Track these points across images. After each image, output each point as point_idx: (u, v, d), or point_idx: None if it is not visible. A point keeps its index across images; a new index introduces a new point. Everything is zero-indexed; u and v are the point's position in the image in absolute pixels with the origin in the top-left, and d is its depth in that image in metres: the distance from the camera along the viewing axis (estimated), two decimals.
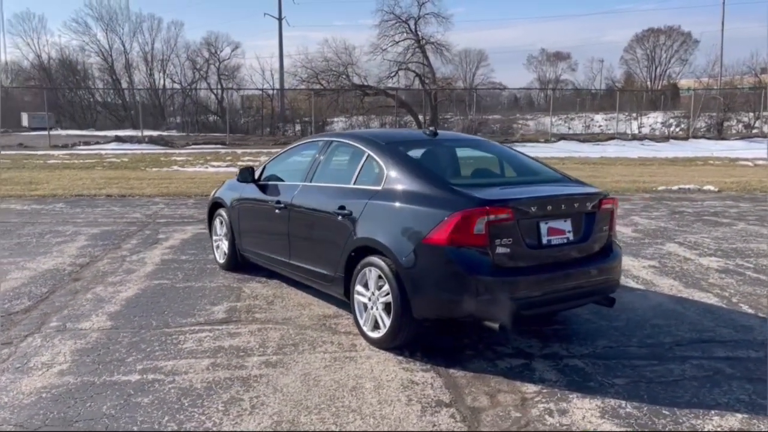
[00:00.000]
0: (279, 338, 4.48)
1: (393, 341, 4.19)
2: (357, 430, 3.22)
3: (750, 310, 5.22)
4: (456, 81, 53.91)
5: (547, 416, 3.39)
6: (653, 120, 41.74)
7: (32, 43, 60.44)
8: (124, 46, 57.61)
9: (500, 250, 3.86)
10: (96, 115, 56.61)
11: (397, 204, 4.22)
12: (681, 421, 3.35)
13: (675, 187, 13.42)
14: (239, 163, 18.66)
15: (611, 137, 29.76)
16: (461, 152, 5.10)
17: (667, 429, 3.27)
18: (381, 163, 4.50)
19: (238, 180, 5.79)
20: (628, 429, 3.26)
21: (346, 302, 4.73)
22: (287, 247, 5.25)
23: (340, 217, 4.55)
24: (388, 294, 4.14)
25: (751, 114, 35.33)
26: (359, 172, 4.66)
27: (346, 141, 5.03)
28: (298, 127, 43.93)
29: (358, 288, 4.42)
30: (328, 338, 4.50)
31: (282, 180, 5.53)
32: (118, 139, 27.67)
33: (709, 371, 4.00)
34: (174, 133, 42.17)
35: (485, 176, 4.79)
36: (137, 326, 4.70)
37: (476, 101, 43.66)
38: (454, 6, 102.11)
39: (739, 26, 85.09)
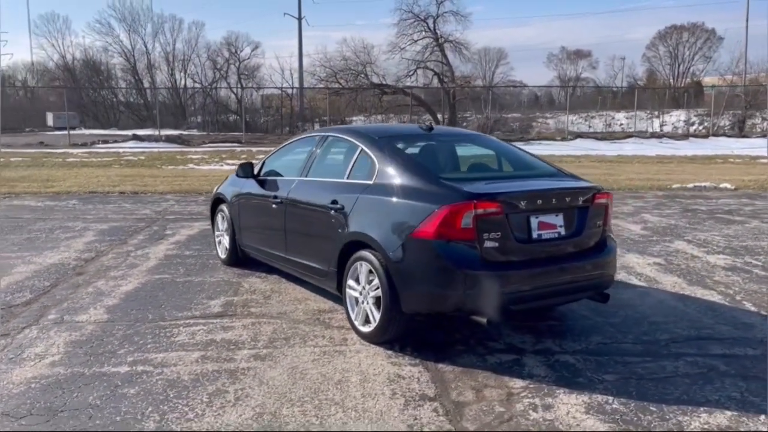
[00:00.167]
0: (271, 332, 4.50)
1: (383, 335, 4.18)
2: (337, 422, 3.22)
3: (753, 308, 5.13)
4: (475, 79, 53.73)
5: (531, 411, 3.36)
6: (676, 118, 41.27)
7: (57, 44, 61.42)
8: (146, 46, 58.27)
9: (488, 244, 3.83)
10: (119, 114, 57.30)
11: (387, 198, 4.21)
12: (668, 417, 3.30)
13: (690, 185, 13.24)
14: (254, 160, 18.74)
15: (629, 135, 29.45)
16: (456, 147, 5.08)
17: (652, 425, 3.22)
18: (373, 157, 4.49)
19: (237, 175, 5.83)
20: (612, 425, 3.22)
21: (341, 297, 4.73)
22: (284, 242, 5.26)
23: (332, 212, 4.56)
24: (378, 288, 4.13)
25: None
26: (352, 167, 4.66)
27: (341, 135, 5.03)
28: (317, 126, 44.07)
29: (350, 282, 4.42)
30: (320, 332, 4.50)
31: (280, 175, 5.55)
32: (136, 138, 28.01)
33: (703, 368, 3.93)
34: (195, 132, 42.55)
35: (478, 171, 4.76)
36: (133, 319, 4.75)
37: (493, 99, 43.34)
38: (473, 4, 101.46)
39: (764, 23, 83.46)
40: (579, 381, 3.74)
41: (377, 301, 4.16)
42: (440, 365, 3.95)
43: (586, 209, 4.25)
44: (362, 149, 4.62)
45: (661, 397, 3.53)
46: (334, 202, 4.55)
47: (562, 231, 4.13)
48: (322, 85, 44.67)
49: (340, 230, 4.48)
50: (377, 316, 4.16)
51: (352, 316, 4.43)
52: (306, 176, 5.13)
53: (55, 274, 6.06)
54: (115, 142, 27.70)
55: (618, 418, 3.29)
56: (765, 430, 3.19)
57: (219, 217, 6.46)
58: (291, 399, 3.47)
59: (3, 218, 9.23)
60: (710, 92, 37.02)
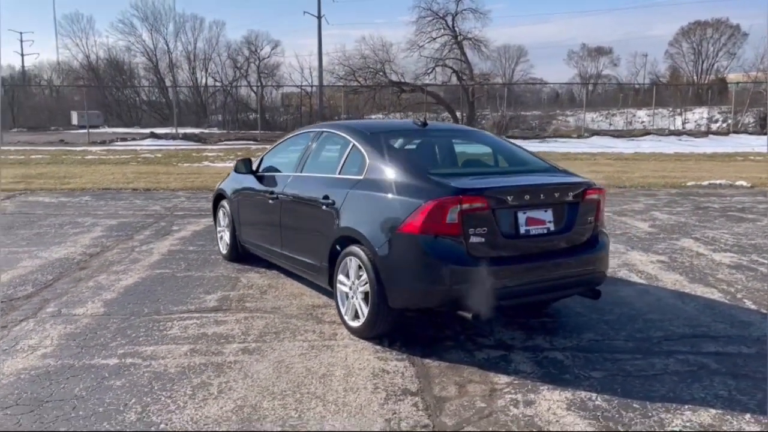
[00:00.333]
0: (263, 326, 4.52)
1: (371, 331, 4.19)
2: (316, 416, 3.23)
3: (753, 306, 5.05)
4: (494, 77, 53.47)
5: (511, 407, 3.35)
6: (699, 116, 40.68)
7: (81, 44, 62.30)
8: (167, 45, 58.84)
9: (474, 239, 3.82)
10: (141, 113, 57.95)
11: (376, 193, 4.21)
12: (650, 414, 3.27)
13: (705, 183, 13.05)
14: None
15: (647, 132, 29.09)
16: (450, 143, 5.06)
17: (633, 423, 3.19)
18: (364, 152, 4.50)
19: (235, 171, 5.87)
20: (592, 421, 3.20)
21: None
22: (279, 238, 5.29)
23: (324, 207, 4.57)
24: (367, 283, 4.14)
25: None
26: (344, 162, 4.67)
27: (334, 131, 5.04)
28: None
29: (340, 277, 4.43)
30: (311, 327, 4.52)
31: (278, 171, 5.57)
32: (154, 136, 28.31)
33: (693, 366, 3.88)
34: (215, 130, 42.86)
35: (468, 166, 4.75)
36: (128, 313, 4.80)
37: (513, 97, 43.15)
38: (494, 2, 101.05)
39: None
40: (565, 378, 3.71)
41: (366, 297, 4.17)
42: (427, 360, 3.95)
43: (576, 205, 4.21)
44: (354, 144, 4.63)
45: (646, 394, 3.49)
46: (326, 197, 4.56)
47: (552, 226, 4.10)
48: (340, 83, 44.75)
49: (331, 226, 4.49)
50: (366, 311, 4.17)
51: (343, 311, 4.44)
52: (301, 172, 5.15)
53: (59, 268, 6.15)
54: (133, 140, 28.01)
55: (599, 414, 3.27)
56: (748, 429, 3.15)
57: (220, 213, 6.51)
58: (273, 392, 3.49)
59: (17, 214, 9.38)
60: (735, 89, 36.44)
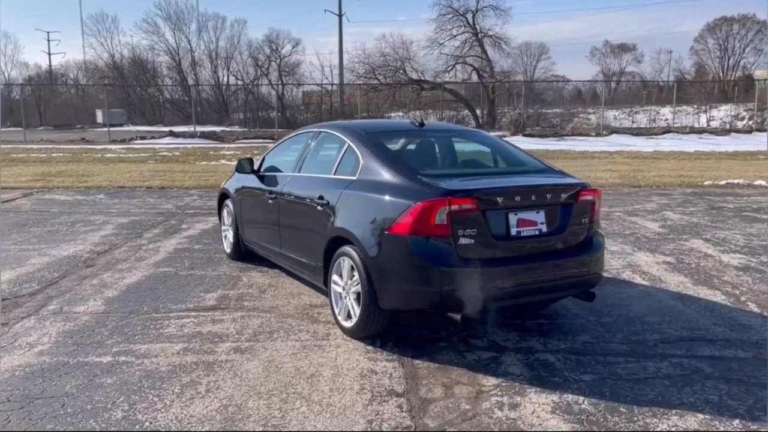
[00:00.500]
0: (258, 326, 4.56)
1: (363, 331, 4.20)
2: (299, 416, 3.25)
3: (756, 309, 4.97)
4: (515, 75, 53.19)
5: (496, 409, 3.33)
6: (724, 113, 40.05)
7: (105, 43, 63.27)
8: (190, 44, 59.46)
9: (464, 240, 3.81)
10: (164, 111, 58.58)
11: (367, 194, 4.22)
12: (635, 419, 3.23)
13: (723, 182, 12.85)
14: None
15: (667, 130, 28.67)
16: (445, 143, 5.04)
17: (617, 427, 3.16)
18: (358, 153, 4.51)
19: (236, 170, 5.91)
20: (575, 425, 3.17)
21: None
22: (278, 237, 5.33)
23: (319, 207, 4.59)
24: (359, 284, 4.15)
25: None
26: (339, 162, 4.68)
27: (331, 131, 5.05)
28: None
29: (334, 277, 4.45)
30: (305, 327, 4.54)
31: (278, 170, 5.61)
32: (172, 134, 28.58)
33: (686, 370, 3.83)
34: (236, 128, 43.19)
35: (462, 167, 4.73)
36: (128, 311, 4.87)
37: (535, 95, 42.86)
38: None
39: None
40: (554, 380, 3.69)
41: (358, 297, 4.18)
42: (417, 361, 3.95)
43: (570, 206, 4.18)
44: (349, 145, 4.64)
45: (634, 398, 3.46)
46: (321, 197, 4.58)
47: (544, 228, 4.07)
48: (360, 82, 44.80)
49: (325, 226, 4.51)
50: (357, 311, 4.18)
51: (336, 311, 4.46)
52: (299, 172, 5.18)
53: (66, 265, 6.25)
54: (152, 138, 28.34)
55: (584, 418, 3.24)
56: None
57: (224, 212, 6.57)
58: (260, 392, 3.51)
59: (32, 212, 9.55)
60: (763, 86, 35.77)
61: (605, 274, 5.86)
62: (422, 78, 44.28)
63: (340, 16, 49.05)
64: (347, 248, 4.25)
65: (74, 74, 69.15)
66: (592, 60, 73.23)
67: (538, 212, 4.06)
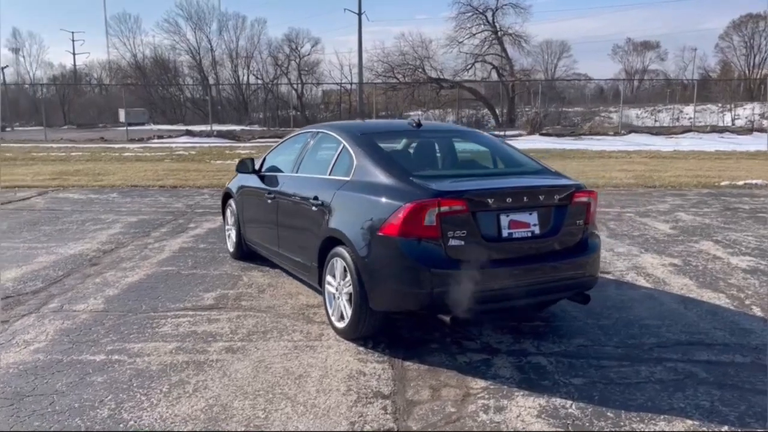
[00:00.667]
0: (252, 325, 4.57)
1: (355, 332, 4.19)
2: (282, 417, 3.25)
3: (759, 313, 4.87)
4: (536, 73, 52.85)
5: (481, 413, 3.31)
6: (750, 111, 39.37)
7: (128, 43, 64.08)
8: (210, 44, 59.95)
9: (454, 242, 3.78)
10: (185, 110, 59.13)
11: (360, 195, 4.21)
12: (622, 424, 3.19)
13: (741, 183, 12.63)
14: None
15: (687, 129, 28.25)
16: (442, 144, 5.01)
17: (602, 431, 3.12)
18: (352, 153, 4.50)
19: (237, 170, 5.93)
20: (560, 429, 3.14)
21: None
22: (277, 237, 5.34)
23: (314, 207, 4.59)
24: (351, 285, 4.14)
25: None
26: (335, 163, 4.68)
27: (328, 132, 5.04)
28: None
29: (328, 278, 4.45)
30: (299, 327, 4.55)
31: (277, 170, 5.62)
32: (189, 133, 28.83)
33: (680, 375, 3.77)
34: (256, 127, 43.44)
35: (457, 167, 4.70)
36: (126, 310, 4.91)
37: (550, 93, 42.48)
38: None
39: None
40: (543, 384, 3.65)
41: (350, 298, 4.17)
42: (407, 363, 3.93)
43: (564, 208, 4.13)
44: (344, 145, 4.64)
45: (623, 403, 3.41)
46: (316, 197, 4.59)
47: (536, 230, 4.03)
48: (379, 80, 44.80)
49: (320, 226, 4.51)
50: (350, 312, 4.18)
51: (330, 312, 4.45)
52: (296, 172, 5.19)
53: (71, 264, 6.33)
54: (170, 137, 28.61)
55: (569, 423, 3.20)
56: None
57: (228, 212, 6.61)
58: (246, 392, 3.52)
59: (44, 210, 9.69)
60: None
61: (608, 276, 5.84)
62: (441, 77, 44.15)
63: (359, 14, 49.07)
64: (340, 249, 4.24)
65: (98, 74, 70.16)
66: (614, 58, 72.38)
67: (530, 214, 4.02)
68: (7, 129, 47.54)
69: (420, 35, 53.91)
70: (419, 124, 4.97)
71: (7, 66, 63.22)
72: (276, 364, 3.90)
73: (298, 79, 54.49)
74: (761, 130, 28.85)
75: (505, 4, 44.86)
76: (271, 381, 3.66)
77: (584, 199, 4.21)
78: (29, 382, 3.63)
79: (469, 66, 46.16)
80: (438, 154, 4.94)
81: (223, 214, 6.83)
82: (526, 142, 24.66)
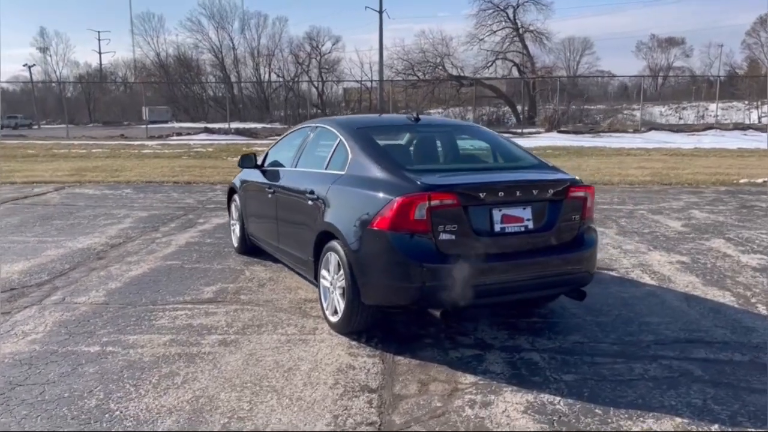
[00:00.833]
0: (248, 319, 4.58)
1: (348, 326, 4.18)
2: (265, 409, 3.25)
3: (764, 311, 4.77)
4: (558, 70, 52.41)
5: (467, 408, 3.28)
6: None
7: (152, 42, 64.84)
8: (232, 42, 60.41)
9: (444, 236, 3.75)
10: (207, 108, 59.67)
11: (353, 188, 4.20)
12: (609, 421, 3.14)
13: (760, 180, 12.39)
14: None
15: (709, 127, 27.79)
16: (439, 138, 4.98)
17: (588, 428, 3.07)
18: (348, 148, 4.49)
19: (238, 166, 5.95)
20: (544, 425, 3.10)
21: None
22: (276, 231, 5.35)
23: (310, 202, 4.59)
24: (344, 279, 4.13)
25: None
26: (331, 157, 4.67)
27: (326, 126, 5.04)
28: None
29: (323, 272, 4.44)
30: (295, 321, 4.55)
31: (278, 165, 5.63)
32: (207, 131, 29.08)
33: (675, 372, 3.70)
34: (277, 125, 43.65)
35: (452, 162, 4.66)
36: (126, 302, 4.96)
37: (571, 90, 42.01)
38: None
39: None
40: (533, 380, 3.61)
41: (343, 292, 4.16)
42: (399, 357, 3.92)
43: (559, 203, 4.08)
44: (341, 140, 4.63)
45: (613, 400, 3.36)
46: (312, 192, 4.58)
47: (530, 224, 3.98)
48: (399, 78, 44.76)
49: (315, 220, 4.50)
50: (343, 306, 4.17)
51: (324, 306, 4.45)
52: (295, 166, 5.19)
53: (78, 257, 6.41)
54: (188, 134, 28.88)
55: (555, 419, 3.16)
56: None
57: (233, 207, 6.64)
58: (234, 384, 3.53)
59: (59, 205, 9.83)
60: None
61: (613, 274, 5.76)
62: (462, 74, 43.96)
63: (380, 12, 48.99)
64: (334, 243, 4.24)
65: (123, 72, 71.08)
66: (638, 55, 71.58)
67: (524, 208, 3.97)
68: (34, 126, 48.42)
69: (440, 32, 53.89)
70: (417, 119, 4.94)
71: (34, 65, 64.29)
72: (267, 357, 3.91)
73: (319, 77, 54.75)
74: None
75: (527, 1, 44.62)
76: (260, 374, 3.67)
77: (580, 193, 4.16)
78: (23, 372, 3.68)
79: (490, 63, 45.99)
80: (434, 149, 4.90)
81: (228, 208, 6.87)
82: (543, 140, 24.48)
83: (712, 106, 41.66)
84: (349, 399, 3.37)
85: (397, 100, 46.45)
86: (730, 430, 3.07)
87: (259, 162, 5.90)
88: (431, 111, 43.37)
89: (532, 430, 3.06)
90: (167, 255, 6.51)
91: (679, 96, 53.57)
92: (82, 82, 67.15)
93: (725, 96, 45.24)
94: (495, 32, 45.46)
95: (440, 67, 44.44)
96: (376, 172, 4.12)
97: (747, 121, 34.12)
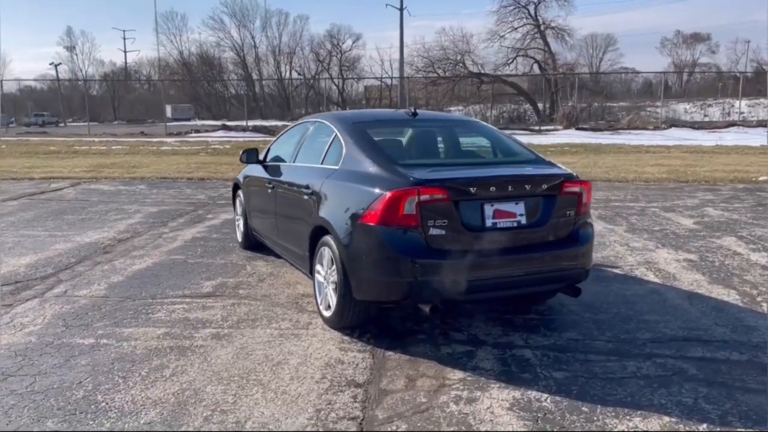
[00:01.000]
0: (244, 313, 4.60)
1: (340, 321, 4.17)
2: (249, 403, 3.25)
3: None
4: (581, 67, 51.89)
5: (451, 403, 3.25)
6: None
7: (175, 41, 65.48)
8: (254, 40, 60.81)
9: (434, 231, 3.72)
10: (229, 106, 60.16)
11: (346, 183, 4.19)
12: (595, 419, 3.09)
13: None
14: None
15: (731, 124, 27.31)
16: (437, 133, 4.94)
17: (573, 426, 3.03)
18: (343, 142, 4.48)
19: (241, 161, 5.97)
20: (528, 422, 3.06)
21: None
22: (275, 226, 5.36)
23: (305, 196, 4.59)
24: (336, 273, 4.12)
25: None
26: (327, 152, 4.66)
27: (323, 121, 5.03)
28: None
29: (318, 267, 4.44)
30: (290, 316, 4.56)
31: (279, 160, 5.64)
32: (225, 128, 29.31)
33: (668, 371, 3.64)
34: None
35: (447, 156, 4.62)
36: (125, 296, 5.00)
37: (594, 87, 41.62)
38: None
39: None
40: (523, 377, 3.57)
41: (336, 287, 4.15)
42: (389, 353, 3.90)
43: (552, 198, 4.02)
44: (336, 135, 4.62)
45: (601, 398, 3.31)
46: (307, 186, 4.58)
47: (523, 220, 3.94)
48: (419, 75, 44.68)
49: (310, 215, 4.50)
50: (335, 301, 4.16)
51: (318, 301, 4.45)
52: (294, 161, 5.20)
53: (85, 251, 6.48)
54: (206, 132, 29.12)
55: (540, 416, 3.12)
56: None
57: (237, 202, 6.67)
58: (221, 377, 3.54)
59: (72, 200, 9.97)
60: None
61: (616, 271, 5.69)
62: (482, 71, 43.77)
63: (401, 10, 48.95)
64: (327, 238, 4.23)
65: (147, 71, 71.93)
66: (662, 51, 70.57)
67: (517, 203, 3.93)
68: (60, 124, 49.22)
69: (461, 30, 53.62)
70: (415, 114, 4.91)
71: (60, 63, 65.31)
72: (257, 351, 3.91)
73: (339, 74, 54.90)
74: None
75: None
76: (248, 367, 3.67)
77: (575, 189, 4.10)
78: (16, 362, 3.73)
79: (511, 60, 45.77)
80: (430, 144, 4.86)
81: (233, 204, 6.90)
82: (560, 137, 24.26)
83: (738, 103, 40.96)
84: (334, 393, 3.36)
85: (417, 97, 46.36)
86: (719, 429, 3.00)
87: (261, 157, 5.91)
88: (451, 108, 43.27)
89: (515, 426, 3.03)
90: (172, 250, 6.56)
91: (704, 93, 52.79)
92: (107, 80, 68.11)
93: (752, 93, 44.44)
94: (516, 29, 45.30)
95: (461, 65, 44.31)
96: (369, 166, 4.10)
97: None
